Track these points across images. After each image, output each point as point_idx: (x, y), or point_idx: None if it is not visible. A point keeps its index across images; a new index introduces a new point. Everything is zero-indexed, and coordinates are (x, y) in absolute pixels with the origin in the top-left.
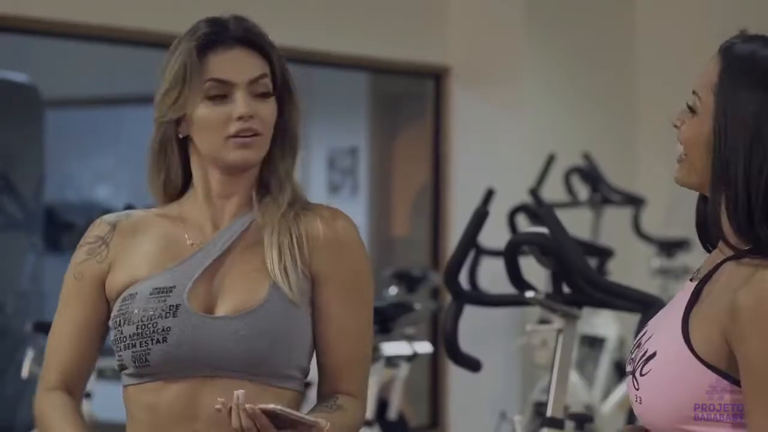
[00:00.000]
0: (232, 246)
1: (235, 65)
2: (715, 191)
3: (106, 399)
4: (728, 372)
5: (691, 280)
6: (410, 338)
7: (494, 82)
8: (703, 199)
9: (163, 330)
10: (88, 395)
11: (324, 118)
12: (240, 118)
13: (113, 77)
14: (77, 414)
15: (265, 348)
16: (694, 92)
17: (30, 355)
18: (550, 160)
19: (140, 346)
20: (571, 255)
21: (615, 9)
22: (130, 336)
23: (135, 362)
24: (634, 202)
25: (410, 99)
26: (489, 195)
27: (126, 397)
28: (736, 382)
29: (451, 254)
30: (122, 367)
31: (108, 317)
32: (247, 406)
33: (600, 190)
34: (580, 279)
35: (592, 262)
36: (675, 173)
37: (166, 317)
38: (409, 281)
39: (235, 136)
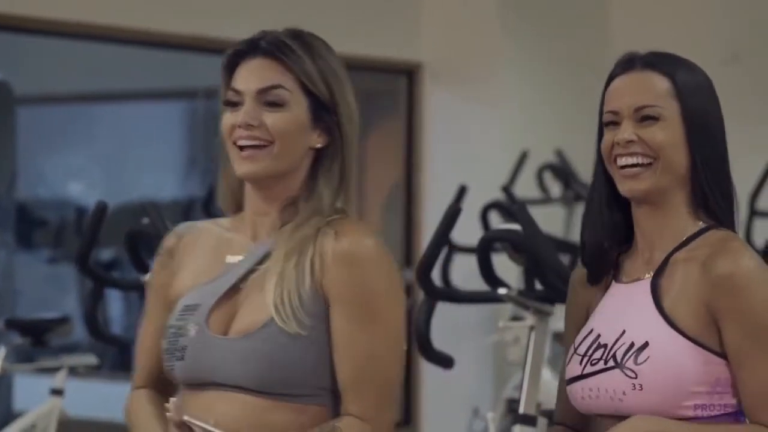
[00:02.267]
0: (254, 267)
1: (249, 74)
2: (701, 181)
3: (78, 396)
4: (710, 345)
5: (616, 282)
6: None
7: (467, 79)
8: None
9: (182, 348)
10: (59, 392)
11: None
12: (238, 126)
13: (86, 74)
14: (162, 410)
15: (265, 369)
16: (648, 106)
17: (2, 352)
18: (523, 157)
19: (168, 362)
20: (543, 252)
21: (589, 6)
22: (165, 350)
23: (170, 375)
24: None
25: (382, 96)
26: (462, 192)
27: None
28: (716, 353)
29: (423, 251)
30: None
31: None
32: (170, 416)
33: (572, 186)
34: (553, 276)
35: (565, 259)
36: (639, 183)
37: (185, 336)
38: None
39: (239, 146)
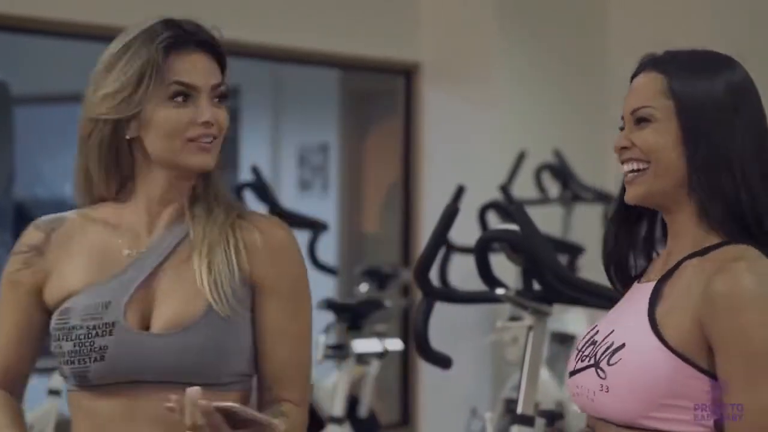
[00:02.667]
0: (166, 258)
1: (199, 69)
2: (695, 186)
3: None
4: (695, 360)
5: (638, 282)
6: (381, 335)
7: (465, 79)
8: (616, 224)
9: (100, 348)
10: (57, 393)
11: (294, 115)
12: (205, 123)
13: (84, 74)
14: (18, 413)
15: (200, 362)
16: (641, 107)
17: None
18: (521, 157)
19: (79, 364)
20: (541, 252)
21: (587, 7)
22: (68, 353)
23: (75, 377)
24: (605, 199)
25: (381, 96)
26: (459, 192)
27: (69, 401)
28: (701, 370)
29: (421, 251)
30: (64, 377)
31: (47, 322)
32: (202, 402)
33: (570, 187)
34: (551, 276)
35: (563, 259)
36: (634, 189)
37: (102, 335)
38: (379, 278)
39: (196, 140)
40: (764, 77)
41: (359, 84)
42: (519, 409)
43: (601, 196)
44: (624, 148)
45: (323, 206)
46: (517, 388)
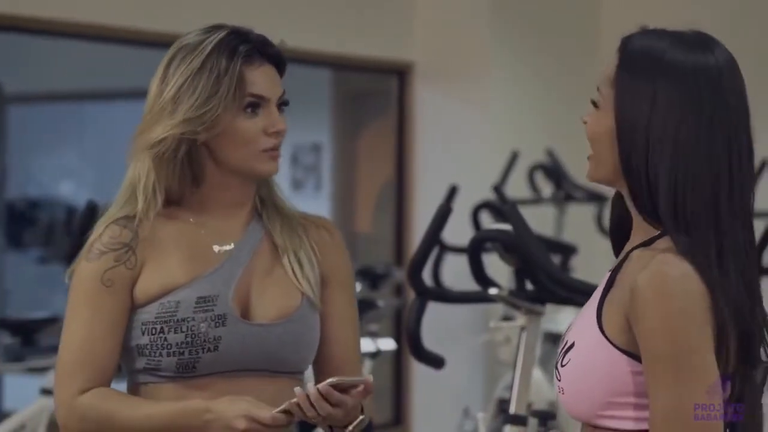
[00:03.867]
0: (253, 255)
1: (269, 81)
2: (626, 180)
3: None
4: (634, 353)
5: (609, 271)
6: (374, 335)
7: (458, 79)
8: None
9: (214, 339)
10: (49, 392)
11: (287, 114)
12: (277, 133)
13: (76, 73)
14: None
15: (296, 351)
16: (597, 88)
17: None
18: (514, 157)
19: (189, 354)
20: (534, 252)
21: (580, 7)
22: (177, 344)
23: (179, 368)
24: (598, 198)
25: (374, 95)
26: (452, 192)
27: (144, 393)
28: (640, 361)
29: (414, 251)
30: (152, 369)
31: (127, 321)
32: (319, 387)
33: (563, 186)
34: (544, 276)
35: (556, 259)
36: (588, 170)
37: (216, 327)
38: (372, 278)
39: (269, 149)
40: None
41: (352, 84)
42: (511, 409)
43: (593, 196)
44: (585, 122)
45: (316, 206)
46: (510, 387)
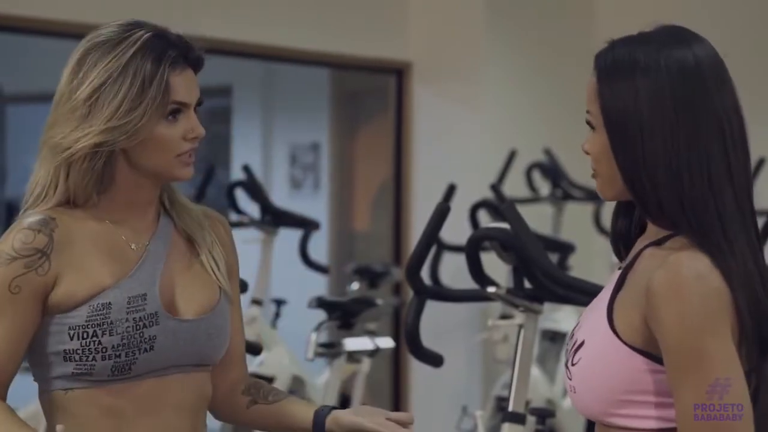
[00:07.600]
0: (168, 249)
1: (190, 86)
2: (630, 189)
3: None
4: (652, 352)
5: (619, 269)
6: (372, 334)
7: (455, 78)
8: (617, 213)
9: (150, 339)
10: None
11: (285, 114)
12: (195, 138)
13: None
14: (15, 414)
15: (220, 344)
16: (586, 112)
17: None
18: (512, 155)
19: (126, 356)
20: (532, 250)
21: (575, 5)
22: (113, 347)
23: (114, 371)
24: (595, 197)
25: (372, 95)
26: (451, 190)
27: (73, 400)
28: (659, 361)
29: (412, 250)
30: (82, 374)
31: (36, 328)
32: None
33: (561, 185)
34: (542, 274)
35: (554, 258)
36: (599, 191)
37: (150, 326)
38: (370, 277)
39: (184, 155)
40: (753, 75)
41: (350, 83)
42: (510, 407)
43: (591, 195)
44: (587, 153)
45: (314, 205)
46: (508, 386)
